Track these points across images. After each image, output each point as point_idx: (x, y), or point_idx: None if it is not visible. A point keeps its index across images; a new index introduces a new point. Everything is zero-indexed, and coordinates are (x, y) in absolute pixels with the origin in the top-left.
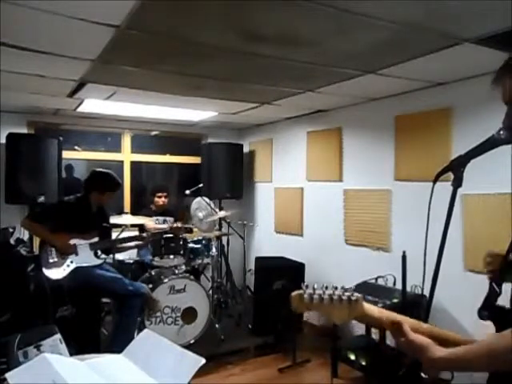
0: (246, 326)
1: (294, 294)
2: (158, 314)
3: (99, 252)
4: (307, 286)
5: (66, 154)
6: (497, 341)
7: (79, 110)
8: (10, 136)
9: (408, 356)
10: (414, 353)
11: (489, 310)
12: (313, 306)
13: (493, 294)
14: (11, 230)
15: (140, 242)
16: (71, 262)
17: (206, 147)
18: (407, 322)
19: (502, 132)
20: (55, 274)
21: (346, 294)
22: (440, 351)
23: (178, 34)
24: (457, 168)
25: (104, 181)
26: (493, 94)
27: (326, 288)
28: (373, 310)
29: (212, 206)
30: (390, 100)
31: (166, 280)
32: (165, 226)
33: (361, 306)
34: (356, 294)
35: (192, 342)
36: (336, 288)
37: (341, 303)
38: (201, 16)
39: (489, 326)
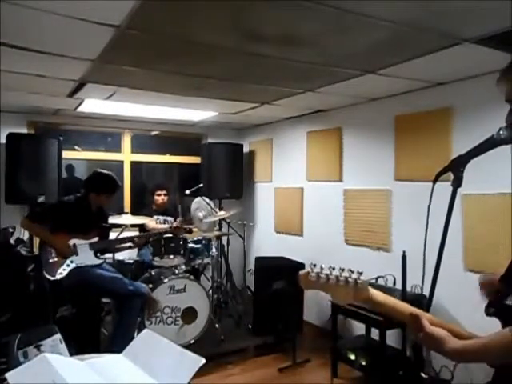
0: (245, 326)
1: (301, 272)
2: (158, 313)
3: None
4: (315, 265)
5: (66, 154)
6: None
7: (79, 109)
8: (10, 136)
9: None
10: (433, 345)
11: (496, 307)
12: (319, 285)
13: (501, 293)
14: (11, 230)
15: (133, 243)
16: (71, 261)
17: (206, 147)
18: (424, 315)
19: (501, 132)
20: (55, 273)
21: (353, 276)
22: (456, 343)
23: (178, 33)
24: (457, 168)
25: (101, 182)
26: (493, 94)
27: (333, 269)
28: (379, 296)
29: (212, 205)
30: (390, 100)
31: (166, 280)
32: (165, 226)
33: (366, 291)
34: (362, 278)
35: (192, 342)
36: (343, 270)
37: (347, 285)
38: (201, 16)
39: (492, 322)
